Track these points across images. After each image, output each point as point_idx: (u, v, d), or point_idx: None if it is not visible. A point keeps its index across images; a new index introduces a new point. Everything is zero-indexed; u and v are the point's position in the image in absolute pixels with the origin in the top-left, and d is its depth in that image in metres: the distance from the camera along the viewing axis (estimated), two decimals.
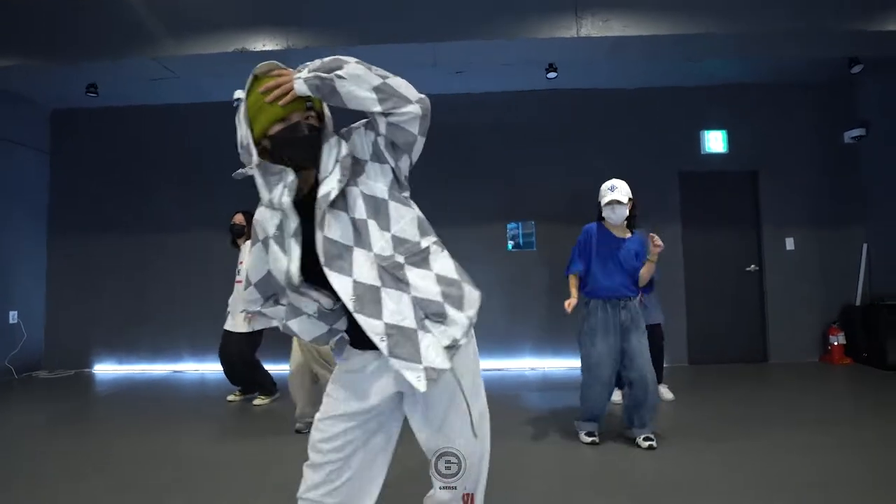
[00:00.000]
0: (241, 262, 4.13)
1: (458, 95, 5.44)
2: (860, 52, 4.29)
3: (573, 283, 3.10)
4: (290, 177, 1.26)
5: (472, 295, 1.33)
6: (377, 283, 1.25)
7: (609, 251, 2.94)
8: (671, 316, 5.14)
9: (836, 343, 5.29)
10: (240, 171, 1.30)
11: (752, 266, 5.56)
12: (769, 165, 5.50)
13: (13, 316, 5.31)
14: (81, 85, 4.81)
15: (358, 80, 1.20)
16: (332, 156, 1.28)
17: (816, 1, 3.39)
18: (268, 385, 4.16)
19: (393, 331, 1.23)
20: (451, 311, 1.28)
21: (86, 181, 5.78)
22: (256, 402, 4.10)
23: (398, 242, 1.29)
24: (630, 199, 2.99)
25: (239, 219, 4.25)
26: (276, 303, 1.41)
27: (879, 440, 2.93)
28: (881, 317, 4.99)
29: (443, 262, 1.33)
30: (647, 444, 2.85)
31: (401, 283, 1.26)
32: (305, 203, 1.29)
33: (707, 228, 5.55)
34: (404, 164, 1.33)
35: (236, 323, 4.05)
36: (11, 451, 3.08)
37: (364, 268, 1.25)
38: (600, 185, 2.98)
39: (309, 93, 1.22)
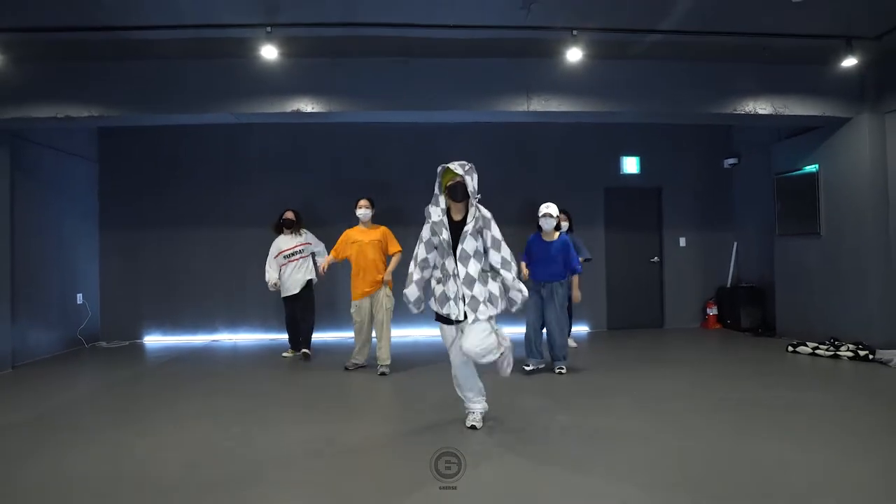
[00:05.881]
0: (297, 246, 5.54)
1: (430, 124, 6.91)
2: (727, 122, 6.22)
3: (523, 266, 4.78)
4: (442, 202, 3.13)
5: (498, 303, 3.10)
6: (475, 276, 3.04)
7: (541, 252, 4.69)
8: (595, 296, 7.03)
9: (711, 314, 7.33)
10: (431, 207, 3.14)
11: (655, 258, 7.48)
12: (669, 183, 7.38)
13: (80, 297, 6.58)
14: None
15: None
16: (474, 215, 3.07)
17: (692, 96, 5.20)
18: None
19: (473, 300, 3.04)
20: (490, 302, 3.07)
21: (128, 185, 7.00)
22: (304, 352, 5.62)
23: (486, 266, 3.12)
24: (559, 215, 4.76)
25: (289, 214, 5.64)
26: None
27: (729, 369, 4.99)
28: (739, 295, 7.03)
29: (492, 283, 3.10)
30: (558, 371, 4.71)
31: (484, 281, 3.06)
32: (456, 223, 3.09)
33: (623, 230, 7.41)
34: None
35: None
36: (124, 393, 4.49)
37: (473, 268, 3.03)
38: (544, 196, 4.67)
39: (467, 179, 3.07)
